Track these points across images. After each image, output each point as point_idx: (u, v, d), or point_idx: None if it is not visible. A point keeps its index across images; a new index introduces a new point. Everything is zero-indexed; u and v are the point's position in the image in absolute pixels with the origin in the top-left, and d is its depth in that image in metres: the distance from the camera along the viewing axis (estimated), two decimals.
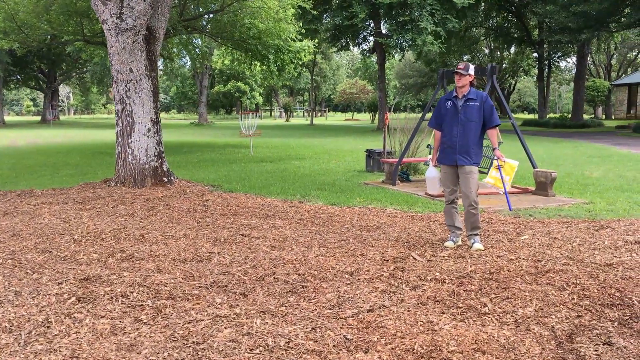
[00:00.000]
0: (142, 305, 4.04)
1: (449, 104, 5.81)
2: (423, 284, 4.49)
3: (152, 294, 4.25)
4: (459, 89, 5.75)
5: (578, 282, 4.48)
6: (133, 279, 4.52)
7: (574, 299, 4.15)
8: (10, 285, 4.42)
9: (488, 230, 6.44)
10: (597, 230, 6.41)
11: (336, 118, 76.81)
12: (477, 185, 5.74)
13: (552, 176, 8.93)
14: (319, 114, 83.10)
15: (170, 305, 4.04)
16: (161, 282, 4.50)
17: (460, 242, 5.83)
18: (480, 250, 5.53)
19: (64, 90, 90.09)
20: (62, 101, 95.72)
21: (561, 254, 5.34)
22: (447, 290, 4.33)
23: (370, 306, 4.02)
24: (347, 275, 4.72)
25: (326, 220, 7.04)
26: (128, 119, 9.14)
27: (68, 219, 6.88)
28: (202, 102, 51.93)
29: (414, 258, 5.25)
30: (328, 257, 5.29)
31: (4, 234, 6.15)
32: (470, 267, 4.91)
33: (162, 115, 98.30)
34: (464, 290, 4.31)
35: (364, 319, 3.79)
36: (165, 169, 9.56)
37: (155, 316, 3.84)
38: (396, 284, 4.50)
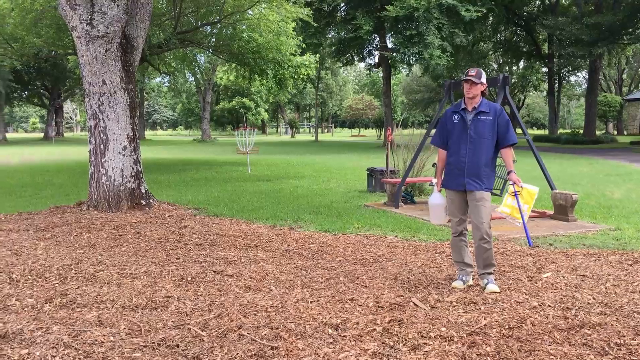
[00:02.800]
0: None
1: (456, 117, 4.89)
2: (425, 343, 3.55)
3: (79, 359, 3.34)
4: (469, 100, 4.83)
5: (622, 342, 3.52)
6: (60, 337, 3.60)
7: None
8: None
9: (503, 265, 5.50)
10: (631, 265, 5.46)
11: (343, 134, 76.13)
12: (490, 214, 4.81)
13: (573, 199, 7.98)
14: (326, 130, 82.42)
15: None
16: (96, 340, 3.59)
17: (471, 282, 4.88)
18: (495, 292, 4.58)
19: (70, 107, 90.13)
20: (71, 118, 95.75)
21: (594, 299, 4.39)
22: (455, 353, 3.39)
23: None
24: (330, 330, 3.79)
25: (316, 252, 6.12)
26: (102, 135, 8.27)
27: (20, 251, 5.99)
28: (206, 119, 51.25)
29: (415, 304, 4.32)
30: (311, 302, 4.36)
31: None
32: (485, 318, 3.97)
33: (169, 131, 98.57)
34: (477, 354, 3.37)
35: None
36: (143, 191, 8.65)
37: None
38: (391, 343, 3.57)
